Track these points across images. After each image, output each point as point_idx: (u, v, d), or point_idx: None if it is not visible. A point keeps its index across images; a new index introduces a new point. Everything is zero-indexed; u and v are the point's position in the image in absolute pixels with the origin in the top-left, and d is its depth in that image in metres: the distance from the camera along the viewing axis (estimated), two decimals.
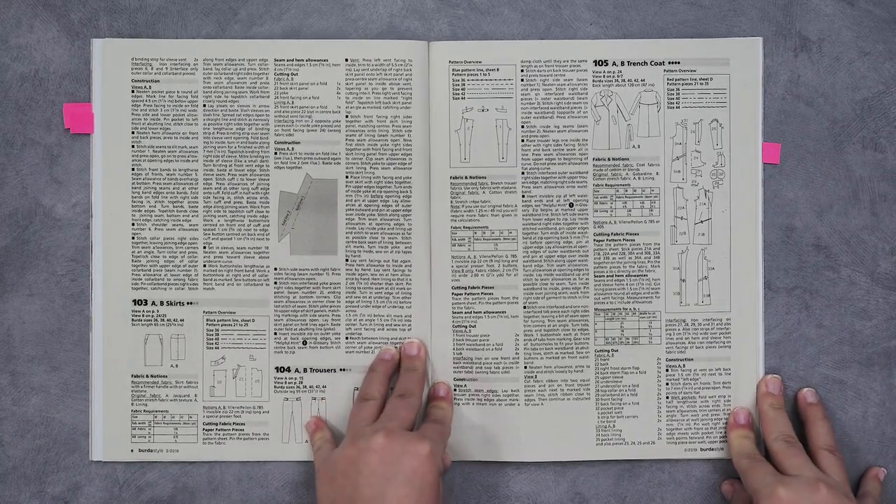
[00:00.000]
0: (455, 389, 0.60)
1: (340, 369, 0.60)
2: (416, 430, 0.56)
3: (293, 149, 0.60)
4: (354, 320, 0.60)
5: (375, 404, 0.57)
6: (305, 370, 0.60)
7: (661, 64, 0.60)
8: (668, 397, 0.61)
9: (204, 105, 0.60)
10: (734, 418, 0.60)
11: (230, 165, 0.60)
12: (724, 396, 0.60)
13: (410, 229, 0.60)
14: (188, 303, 0.60)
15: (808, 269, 0.61)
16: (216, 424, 0.60)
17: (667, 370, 0.61)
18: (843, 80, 0.61)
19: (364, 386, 0.59)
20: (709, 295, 0.61)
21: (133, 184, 0.60)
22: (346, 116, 0.60)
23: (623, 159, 0.60)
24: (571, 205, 0.60)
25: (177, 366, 0.60)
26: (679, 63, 0.60)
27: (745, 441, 0.59)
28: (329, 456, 0.55)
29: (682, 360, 0.61)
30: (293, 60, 0.60)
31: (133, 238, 0.60)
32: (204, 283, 0.60)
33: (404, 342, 0.60)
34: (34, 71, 0.60)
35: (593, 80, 0.60)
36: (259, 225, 0.60)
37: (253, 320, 0.60)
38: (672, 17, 0.61)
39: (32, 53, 0.60)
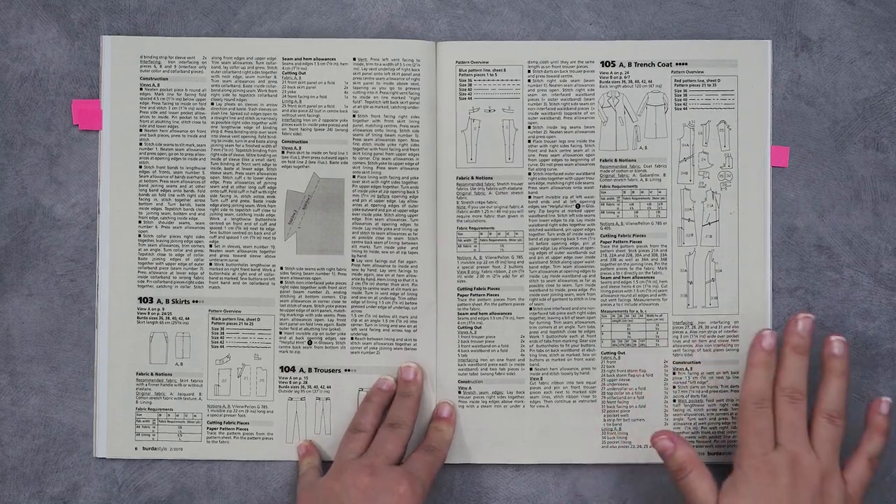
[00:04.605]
0: (460, 391, 0.60)
1: (345, 369, 0.60)
2: (405, 460, 0.57)
3: (300, 148, 0.60)
4: (360, 321, 0.60)
5: (365, 437, 0.57)
6: (310, 370, 0.60)
7: (668, 65, 0.60)
8: (675, 400, 0.60)
9: (212, 103, 0.60)
10: (759, 341, 0.55)
11: (237, 164, 0.60)
12: (732, 400, 0.60)
13: (417, 230, 0.60)
14: (194, 301, 0.60)
15: (810, 270, 0.61)
16: (220, 423, 0.60)
17: (674, 373, 0.60)
18: (844, 80, 0.61)
19: (356, 416, 0.59)
20: (716, 297, 0.60)
21: (140, 181, 0.60)
22: (354, 116, 0.60)
23: (630, 160, 0.60)
24: (578, 206, 0.60)
25: (182, 364, 0.60)
26: (686, 64, 0.60)
27: (759, 382, 0.54)
28: (314, 482, 0.56)
29: (689, 362, 0.60)
30: (301, 59, 0.60)
31: (139, 236, 0.60)
32: (210, 282, 0.60)
33: (402, 365, 0.60)
34: (34, 71, 0.61)
35: (600, 81, 0.60)
36: (266, 224, 0.60)
37: (258, 319, 0.60)
38: (672, 17, 0.61)
39: (32, 53, 0.61)
